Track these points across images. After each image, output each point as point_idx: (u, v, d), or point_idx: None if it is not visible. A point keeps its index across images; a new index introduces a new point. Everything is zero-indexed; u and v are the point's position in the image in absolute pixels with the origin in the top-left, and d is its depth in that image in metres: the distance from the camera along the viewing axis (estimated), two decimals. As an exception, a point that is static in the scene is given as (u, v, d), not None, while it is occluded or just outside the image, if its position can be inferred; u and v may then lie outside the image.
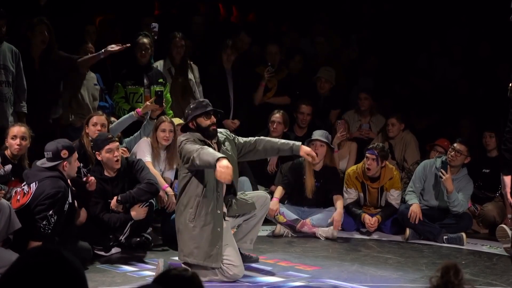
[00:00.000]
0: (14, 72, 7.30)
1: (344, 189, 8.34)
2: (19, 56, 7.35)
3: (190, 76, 8.76)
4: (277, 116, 8.85)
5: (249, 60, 9.88)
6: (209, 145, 5.94)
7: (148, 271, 6.27)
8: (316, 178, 8.08)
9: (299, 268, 6.55)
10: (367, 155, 8.20)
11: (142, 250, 6.93)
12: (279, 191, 8.07)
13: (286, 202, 8.21)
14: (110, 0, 9.89)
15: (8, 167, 5.96)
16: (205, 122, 6.05)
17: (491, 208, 8.49)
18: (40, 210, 5.93)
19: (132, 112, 7.71)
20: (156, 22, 8.92)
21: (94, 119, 7.26)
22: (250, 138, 6.39)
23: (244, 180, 8.32)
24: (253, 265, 6.54)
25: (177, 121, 7.72)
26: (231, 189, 6.17)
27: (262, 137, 6.46)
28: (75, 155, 6.27)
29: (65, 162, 6.13)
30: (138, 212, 6.80)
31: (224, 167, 5.43)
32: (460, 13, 11.26)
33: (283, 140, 6.42)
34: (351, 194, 8.32)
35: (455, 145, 8.02)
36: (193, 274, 2.37)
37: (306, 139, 8.11)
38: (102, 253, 6.73)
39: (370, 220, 8.07)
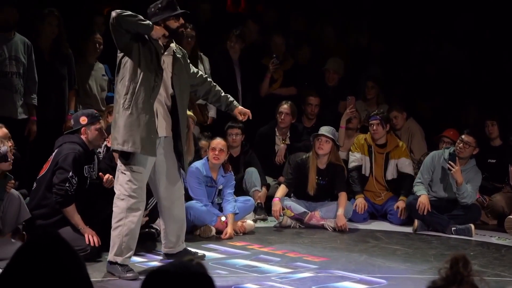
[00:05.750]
0: (25, 64, 7.32)
1: (350, 153, 8.56)
2: (31, 48, 7.37)
3: (200, 67, 8.75)
4: (285, 107, 8.85)
5: (256, 50, 9.85)
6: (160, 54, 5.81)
7: (157, 262, 6.28)
8: (321, 176, 8.04)
9: (307, 259, 6.55)
10: (371, 122, 8.46)
11: (150, 241, 6.94)
12: (281, 190, 8.00)
13: (292, 195, 8.20)
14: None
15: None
16: (174, 24, 5.82)
17: (500, 198, 8.49)
18: (60, 174, 6.15)
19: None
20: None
21: None
22: (201, 73, 6.33)
23: (252, 171, 8.32)
24: (262, 256, 6.56)
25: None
26: (178, 143, 5.96)
27: (210, 80, 6.33)
28: (98, 124, 6.42)
29: (83, 129, 6.36)
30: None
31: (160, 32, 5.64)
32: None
33: (227, 95, 6.32)
34: (355, 157, 8.48)
35: (463, 136, 7.99)
36: (198, 264, 2.36)
37: (313, 133, 8.11)
38: None
39: (360, 205, 8.21)
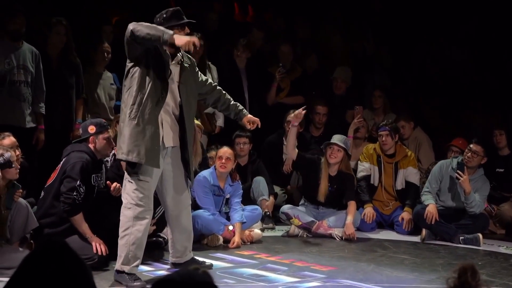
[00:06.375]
0: (33, 73, 7.34)
1: (359, 162, 8.55)
2: (39, 57, 7.39)
3: (208, 76, 8.75)
4: (292, 116, 8.84)
5: (263, 59, 9.85)
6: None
7: (164, 271, 6.28)
8: (330, 182, 8.04)
9: (315, 268, 6.53)
10: (380, 133, 8.49)
11: (158, 250, 6.94)
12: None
13: (300, 204, 8.19)
14: (127, 0, 9.90)
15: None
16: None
17: (508, 208, 8.46)
18: (68, 182, 6.17)
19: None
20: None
21: None
22: (210, 81, 6.34)
23: (260, 180, 8.31)
24: (269, 265, 6.54)
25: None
26: (185, 152, 5.93)
27: (220, 88, 6.33)
28: (106, 133, 6.46)
29: (91, 138, 6.39)
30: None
31: (184, 37, 5.43)
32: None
33: (236, 103, 6.34)
34: (364, 167, 8.48)
35: (471, 146, 7.97)
36: (204, 273, 2.36)
37: (325, 142, 8.10)
38: None
39: (369, 215, 8.20)
